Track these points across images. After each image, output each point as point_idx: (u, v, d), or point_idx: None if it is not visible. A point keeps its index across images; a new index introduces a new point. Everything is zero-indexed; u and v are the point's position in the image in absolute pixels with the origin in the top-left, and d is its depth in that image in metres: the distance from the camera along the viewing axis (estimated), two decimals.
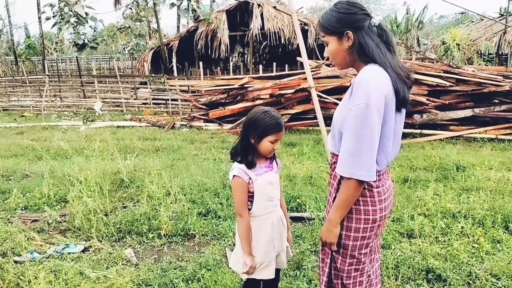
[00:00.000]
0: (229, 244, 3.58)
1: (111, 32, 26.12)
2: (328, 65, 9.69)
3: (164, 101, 13.01)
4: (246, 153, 2.08)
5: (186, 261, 3.33)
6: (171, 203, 4.33)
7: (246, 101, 9.50)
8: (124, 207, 4.48)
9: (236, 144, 2.14)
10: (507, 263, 3.13)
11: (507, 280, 2.92)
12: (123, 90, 13.77)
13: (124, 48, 18.87)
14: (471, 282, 2.94)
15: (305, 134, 8.46)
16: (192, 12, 15.69)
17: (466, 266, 3.12)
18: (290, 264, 3.19)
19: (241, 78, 10.14)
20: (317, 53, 13.18)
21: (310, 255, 3.35)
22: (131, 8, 16.91)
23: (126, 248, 3.59)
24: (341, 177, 1.75)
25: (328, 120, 8.90)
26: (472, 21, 23.86)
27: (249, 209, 2.12)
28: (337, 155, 1.79)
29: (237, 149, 2.13)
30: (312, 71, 9.17)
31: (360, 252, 1.84)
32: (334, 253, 1.88)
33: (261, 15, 16.43)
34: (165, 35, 23.54)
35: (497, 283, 2.90)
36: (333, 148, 1.87)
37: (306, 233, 3.74)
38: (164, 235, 3.77)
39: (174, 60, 15.62)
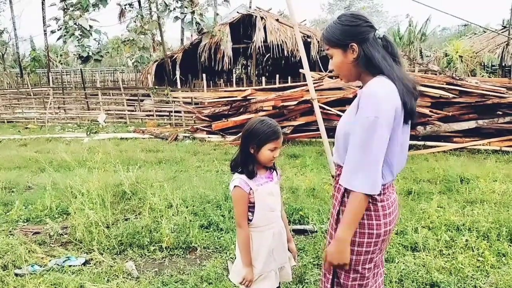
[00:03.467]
0: (230, 257, 3.55)
1: (116, 44, 26.33)
2: (331, 77, 9.71)
3: (167, 113, 13.06)
4: (246, 163, 2.09)
5: (187, 274, 3.29)
6: (173, 215, 4.31)
7: (249, 113, 9.51)
8: (126, 219, 4.46)
9: (236, 156, 2.16)
10: None
11: None
12: (127, 102, 13.84)
13: (128, 60, 19.00)
14: None
15: (308, 146, 8.45)
16: (196, 25, 15.84)
17: (471, 280, 3.07)
18: (293, 278, 3.15)
19: (244, 90, 10.16)
20: (320, 65, 13.22)
21: (312, 268, 3.32)
22: (135, 21, 17.09)
23: (127, 261, 3.56)
24: (345, 189, 1.73)
25: (331, 131, 8.88)
26: (475, 33, 23.92)
27: (250, 220, 2.13)
28: (342, 167, 1.78)
29: (237, 160, 2.14)
30: (314, 83, 9.20)
31: (364, 267, 1.80)
32: (337, 269, 1.84)
33: (264, 27, 16.54)
34: (169, 48, 23.72)
35: None
36: (337, 159, 1.86)
37: (308, 246, 3.70)
38: (165, 247, 3.74)
39: (177, 72, 15.69)
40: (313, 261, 3.43)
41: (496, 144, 7.78)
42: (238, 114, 9.76)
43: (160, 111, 13.32)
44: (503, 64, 17.26)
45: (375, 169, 1.64)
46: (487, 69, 17.35)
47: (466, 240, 3.69)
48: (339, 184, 1.78)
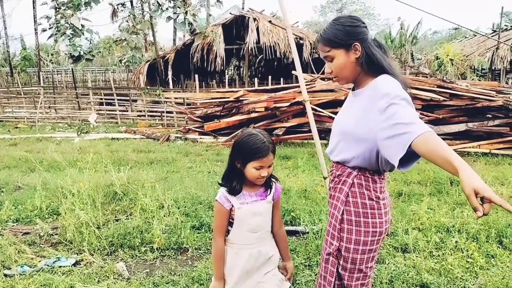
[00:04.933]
0: None
1: (107, 44, 26.19)
2: (323, 79, 9.76)
3: (159, 113, 13.02)
4: (230, 178, 1.95)
5: (179, 275, 3.29)
6: (164, 216, 4.30)
7: (242, 114, 9.52)
8: (117, 220, 4.44)
9: (226, 167, 2.02)
10: (501, 278, 3.12)
11: None
12: (118, 102, 13.77)
13: (120, 60, 18.90)
14: None
15: (300, 147, 8.47)
16: (189, 26, 15.80)
17: (460, 281, 3.10)
18: None
19: (237, 91, 10.17)
20: (312, 67, 13.26)
21: (304, 269, 3.33)
22: (127, 21, 17.01)
23: (118, 262, 3.54)
24: (350, 189, 1.81)
25: (323, 133, 8.95)
26: (466, 37, 24.16)
27: (228, 234, 2.01)
28: (345, 166, 1.82)
29: (225, 171, 2.01)
30: (307, 85, 9.24)
31: (367, 266, 1.84)
32: (340, 270, 1.86)
33: (257, 29, 16.55)
34: (161, 48, 23.64)
35: None
36: (340, 156, 1.85)
37: (300, 247, 3.72)
38: (156, 248, 3.73)
39: (169, 72, 15.66)
40: (304, 262, 3.44)
41: (486, 146, 7.87)
42: (231, 115, 9.76)
43: (152, 112, 13.27)
44: (493, 68, 17.47)
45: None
46: (477, 72, 17.56)
47: (456, 242, 3.72)
48: (341, 185, 1.83)
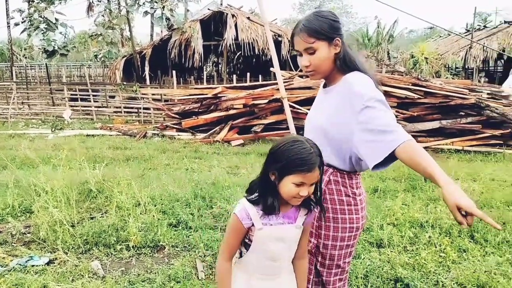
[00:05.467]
0: (199, 256, 3.53)
1: (83, 39, 25.67)
2: (301, 76, 9.80)
3: (136, 110, 12.84)
4: (264, 193, 1.60)
5: (155, 273, 3.26)
6: (140, 213, 4.25)
7: (220, 110, 9.49)
8: (92, 218, 4.36)
9: (257, 177, 1.68)
10: (473, 271, 3.20)
11: None
12: (93, 98, 13.52)
13: (95, 55, 18.55)
14: None
15: None
16: (166, 21, 15.63)
17: (433, 275, 3.17)
18: None
19: (215, 88, 10.13)
20: (291, 64, 13.32)
21: None
22: (103, 15, 16.70)
23: (92, 260, 3.49)
24: (327, 187, 1.80)
25: (301, 130, 8.98)
26: (440, 36, 24.67)
27: (241, 255, 1.70)
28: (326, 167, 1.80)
29: (255, 183, 1.67)
30: (285, 82, 9.27)
31: (345, 261, 1.86)
32: (319, 267, 1.87)
33: (235, 25, 16.50)
34: (138, 43, 23.30)
35: None
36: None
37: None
38: (132, 246, 3.68)
39: (146, 68, 15.45)
40: None
41: (459, 143, 8.06)
42: (209, 112, 9.72)
43: (129, 108, 13.09)
44: (466, 67, 17.88)
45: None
46: (451, 71, 17.96)
47: (429, 237, 3.81)
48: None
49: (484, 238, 3.81)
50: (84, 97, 13.89)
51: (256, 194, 1.62)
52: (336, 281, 1.87)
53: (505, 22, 17.56)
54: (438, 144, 8.09)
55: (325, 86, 1.91)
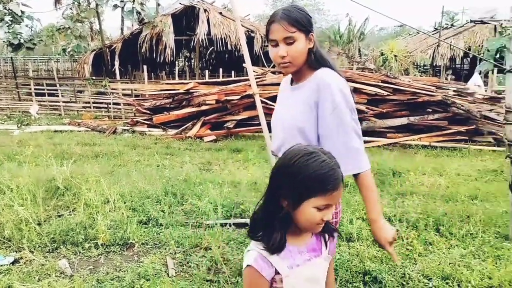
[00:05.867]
0: (170, 253, 3.50)
1: (50, 32, 24.93)
2: (273, 73, 9.83)
3: (105, 105, 12.59)
4: (271, 227, 1.28)
5: (124, 271, 3.21)
6: (109, 211, 4.17)
7: (192, 106, 9.41)
8: (59, 216, 4.26)
9: (258, 208, 1.35)
10: (438, 264, 3.29)
11: (437, 280, 3.07)
12: (62, 93, 13.17)
13: (64, 49, 18.04)
14: (405, 283, 3.07)
15: (250, 140, 8.50)
16: (137, 15, 15.35)
17: (401, 268, 3.25)
18: (232, 271, 3.17)
19: (187, 83, 10.04)
20: (263, 60, 13.34)
21: None
22: (71, 8, 16.25)
23: (60, 259, 3.40)
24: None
25: None
26: (410, 34, 25.22)
27: None
28: None
29: (258, 216, 1.34)
30: (257, 78, 9.27)
31: None
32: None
33: (208, 20, 16.38)
34: (108, 37, 22.82)
35: (429, 283, 3.04)
36: None
37: (249, 239, 3.73)
38: (101, 244, 3.61)
39: (116, 63, 15.13)
40: None
41: (426, 139, 8.27)
42: (181, 108, 9.62)
43: (98, 103, 12.81)
44: (434, 64, 18.35)
45: (363, 141, 1.76)
46: (419, 68, 18.39)
47: (397, 230, 3.88)
48: None
49: (449, 231, 3.91)
50: (52, 92, 13.51)
51: (260, 233, 1.30)
52: None
53: (471, 21, 18.07)
54: (406, 140, 8.28)
55: (291, 83, 1.91)
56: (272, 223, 1.27)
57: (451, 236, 3.85)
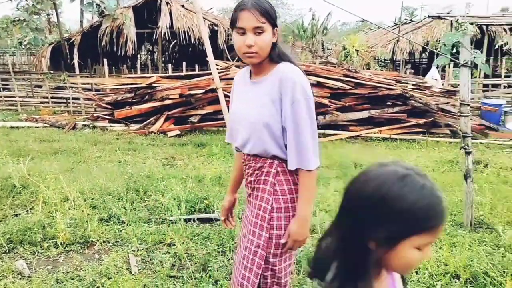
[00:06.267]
0: (132, 250, 3.45)
1: (5, 24, 23.82)
2: (237, 66, 9.80)
3: (64, 100, 12.18)
4: (350, 272, 0.99)
5: (85, 270, 3.13)
6: (69, 209, 4.06)
7: (155, 100, 9.26)
8: (16, 215, 4.11)
9: (328, 244, 1.07)
10: None
11: None
12: (18, 87, 12.63)
13: (20, 42, 17.27)
14: None
15: (215, 135, 8.46)
16: (96, 7, 14.91)
17: None
18: (196, 266, 3.16)
19: (149, 77, 9.84)
20: (227, 54, 13.26)
21: (217, 255, 3.35)
22: (27, 0, 15.58)
23: (17, 260, 3.29)
24: (276, 179, 1.79)
25: None
26: (371, 29, 25.71)
27: None
28: (264, 158, 1.80)
29: (328, 253, 1.05)
30: (221, 72, 9.23)
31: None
32: (271, 259, 1.82)
33: (170, 13, 16.11)
34: (67, 30, 22.03)
35: None
36: (261, 151, 1.80)
37: (213, 234, 3.73)
38: (60, 243, 3.51)
39: (75, 56, 14.62)
40: (218, 248, 3.47)
41: (386, 132, 8.50)
42: (143, 102, 9.44)
43: (56, 98, 12.38)
44: (394, 59, 18.81)
45: (317, 143, 1.76)
46: (380, 63, 18.78)
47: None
48: (265, 176, 1.80)
49: None
50: (7, 87, 12.94)
51: (332, 276, 1.00)
52: (287, 266, 1.87)
53: (429, 16, 18.63)
54: (367, 133, 8.47)
55: (250, 76, 1.89)
56: (354, 269, 0.98)
57: None
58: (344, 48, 16.33)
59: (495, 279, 2.95)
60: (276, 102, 1.73)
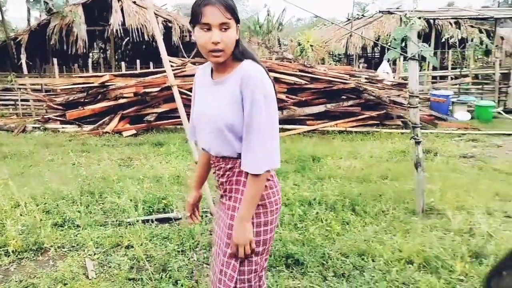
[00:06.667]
0: (89, 255, 3.35)
1: None
2: (194, 63, 9.71)
3: (12, 102, 11.63)
4: None
5: (39, 277, 3.01)
6: (20, 215, 3.89)
7: (108, 100, 9.02)
8: None
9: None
10: (354, 241, 3.50)
11: (354, 257, 3.26)
12: None
13: None
14: (324, 262, 3.22)
15: (173, 133, 8.36)
16: (44, 4, 14.30)
17: (320, 248, 3.40)
18: (156, 267, 3.12)
19: (102, 76, 9.58)
20: (183, 51, 13.09)
21: (177, 255, 3.32)
22: None
23: None
24: (247, 175, 1.72)
25: None
26: (325, 25, 26.13)
27: None
28: (234, 159, 1.75)
29: None
30: (177, 69, 9.12)
31: (271, 243, 1.86)
32: (255, 257, 1.77)
33: (122, 10, 15.69)
34: (13, 29, 21.01)
35: (346, 261, 3.22)
36: (226, 151, 1.75)
37: (173, 233, 3.69)
38: (12, 251, 3.36)
39: (23, 56, 13.98)
40: (178, 248, 3.43)
41: (342, 125, 8.69)
42: (96, 102, 9.18)
43: (4, 100, 11.79)
44: (348, 53, 19.25)
45: (278, 143, 1.71)
46: (334, 57, 19.19)
47: (317, 213, 4.07)
48: (237, 177, 1.76)
49: (363, 210, 4.17)
50: None
51: None
52: (264, 262, 1.84)
53: (379, 12, 19.19)
54: (324, 127, 8.63)
55: (211, 75, 1.82)
56: None
57: (366, 214, 4.10)
58: (299, 44, 16.54)
59: (446, 262, 3.10)
60: (239, 103, 1.68)
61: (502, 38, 14.22)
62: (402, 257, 3.21)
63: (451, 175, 5.37)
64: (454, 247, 3.33)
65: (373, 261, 3.19)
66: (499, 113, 10.49)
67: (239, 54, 1.72)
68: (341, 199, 4.38)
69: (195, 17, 1.64)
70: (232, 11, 1.64)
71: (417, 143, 4.00)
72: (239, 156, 1.73)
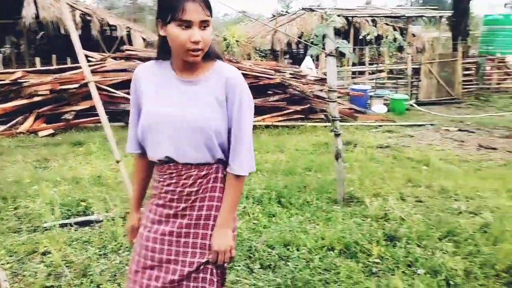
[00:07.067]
0: (1, 264, 3.11)
1: None
2: (114, 58, 9.34)
3: None
4: None
5: None
6: None
7: (22, 98, 8.41)
8: None
9: None
10: (280, 233, 3.58)
11: (280, 248, 3.34)
12: None
13: None
14: (251, 255, 3.26)
15: (93, 132, 7.97)
16: None
17: (248, 242, 3.44)
18: (76, 273, 2.97)
19: (13, 72, 8.90)
20: (103, 45, 12.55)
21: (98, 259, 3.18)
22: None
23: None
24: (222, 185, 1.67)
25: (118, 115, 8.59)
26: (251, 20, 26.38)
27: None
28: (209, 165, 1.64)
29: None
30: (97, 65, 8.72)
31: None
32: (210, 276, 1.65)
33: (35, 2, 14.67)
34: None
35: (272, 252, 3.29)
36: (204, 157, 1.62)
37: (93, 236, 3.53)
38: None
39: None
40: (99, 251, 3.29)
41: (269, 120, 8.84)
42: (8, 100, 8.51)
43: None
44: (273, 49, 19.59)
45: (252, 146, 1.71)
46: (260, 53, 19.42)
47: (244, 207, 4.11)
48: (213, 183, 1.65)
49: (289, 202, 4.28)
50: None
51: None
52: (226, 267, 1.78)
53: (303, 8, 19.73)
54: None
55: (175, 74, 1.68)
56: None
57: (291, 206, 4.22)
58: (225, 39, 16.53)
59: (364, 247, 3.28)
60: (224, 106, 1.61)
61: (413, 35, 15.30)
62: (324, 244, 3.35)
63: (369, 165, 5.67)
64: (371, 232, 3.53)
65: (297, 250, 3.29)
66: (411, 105, 11.28)
67: (212, 53, 1.64)
68: (267, 192, 4.45)
69: (172, 13, 1.49)
70: (210, 10, 1.55)
71: (337, 135, 4.18)
72: (217, 161, 1.65)
